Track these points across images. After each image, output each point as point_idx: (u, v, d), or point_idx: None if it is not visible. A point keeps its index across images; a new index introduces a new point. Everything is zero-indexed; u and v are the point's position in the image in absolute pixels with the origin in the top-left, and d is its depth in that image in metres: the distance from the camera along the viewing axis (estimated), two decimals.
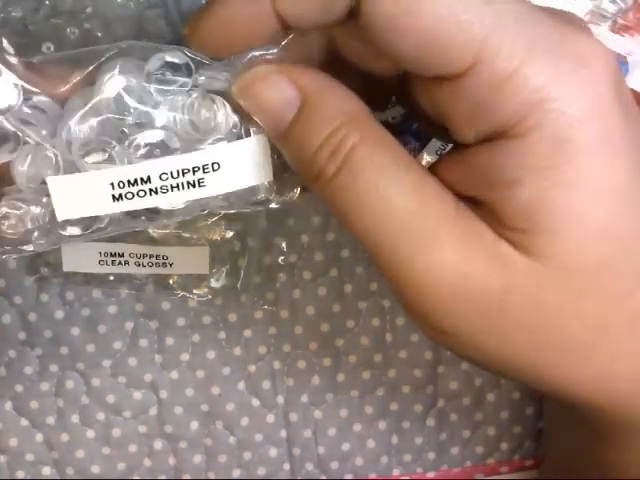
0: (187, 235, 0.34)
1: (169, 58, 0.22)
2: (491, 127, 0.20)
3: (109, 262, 0.33)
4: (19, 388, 0.36)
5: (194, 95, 0.22)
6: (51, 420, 0.37)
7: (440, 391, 0.39)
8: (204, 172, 0.22)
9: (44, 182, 0.22)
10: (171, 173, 0.22)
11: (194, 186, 0.22)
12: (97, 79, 0.22)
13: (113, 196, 0.22)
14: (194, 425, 0.38)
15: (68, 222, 0.23)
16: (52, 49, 0.31)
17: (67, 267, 0.33)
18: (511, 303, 0.20)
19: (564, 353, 0.21)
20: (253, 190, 0.23)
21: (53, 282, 0.35)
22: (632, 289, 0.20)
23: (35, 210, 0.22)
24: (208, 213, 0.24)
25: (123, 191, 0.22)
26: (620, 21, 0.34)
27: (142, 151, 0.22)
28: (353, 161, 0.20)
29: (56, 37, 0.31)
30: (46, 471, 0.37)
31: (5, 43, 0.29)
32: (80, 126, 0.21)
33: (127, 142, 0.21)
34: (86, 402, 0.37)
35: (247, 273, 0.36)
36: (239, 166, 0.22)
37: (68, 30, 0.31)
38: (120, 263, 0.34)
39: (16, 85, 0.21)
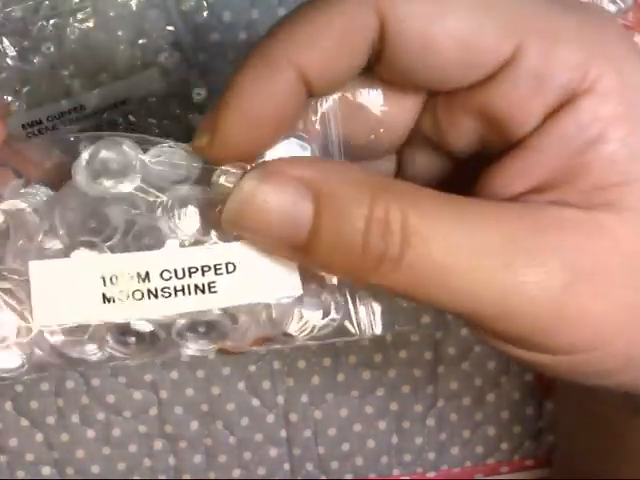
0: None
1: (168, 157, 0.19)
2: (556, 99, 0.19)
3: None
4: (19, 388, 0.36)
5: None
6: (51, 420, 0.37)
7: (440, 391, 0.39)
8: (216, 274, 0.18)
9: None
10: (175, 271, 0.18)
11: (203, 291, 0.18)
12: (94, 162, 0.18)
13: (104, 295, 0.18)
14: (194, 425, 0.38)
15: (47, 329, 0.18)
16: (52, 49, 0.31)
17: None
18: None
19: None
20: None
21: None
22: None
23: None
24: None
25: (115, 289, 0.17)
26: (620, 21, 0.34)
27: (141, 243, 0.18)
28: (414, 230, 0.18)
29: (56, 37, 0.31)
30: (46, 471, 0.37)
31: (6, 43, 0.29)
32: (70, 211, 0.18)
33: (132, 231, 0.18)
34: (86, 402, 0.37)
35: None
36: (259, 271, 0.18)
37: (68, 30, 0.31)
38: None
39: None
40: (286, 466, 0.39)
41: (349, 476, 0.39)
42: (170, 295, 0.18)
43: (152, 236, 0.18)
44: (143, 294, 0.18)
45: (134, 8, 0.31)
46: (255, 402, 0.38)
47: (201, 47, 0.34)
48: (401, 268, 0.18)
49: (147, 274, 0.18)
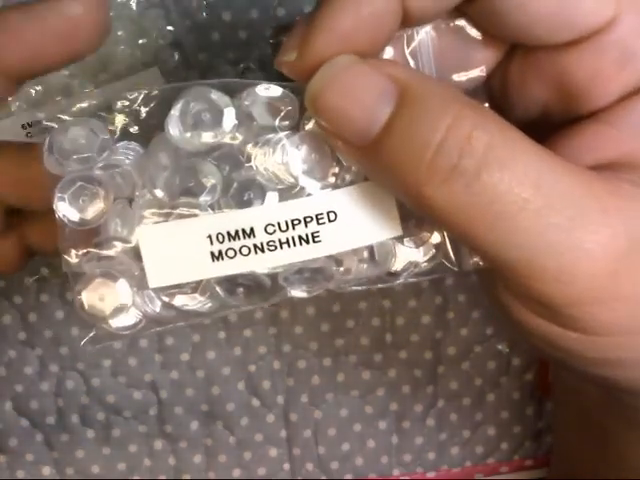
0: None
1: (270, 93, 0.18)
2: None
3: None
4: (19, 388, 0.36)
5: (299, 133, 0.18)
6: (51, 420, 0.37)
7: (440, 391, 0.39)
8: (318, 223, 0.18)
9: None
10: (279, 224, 0.18)
11: (307, 242, 0.18)
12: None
13: (212, 254, 0.18)
14: (194, 425, 0.38)
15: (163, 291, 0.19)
16: None
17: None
18: None
19: None
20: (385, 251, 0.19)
21: (53, 282, 0.35)
22: None
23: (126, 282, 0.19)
24: None
25: (223, 247, 0.18)
26: None
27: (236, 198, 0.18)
28: (496, 154, 0.17)
29: None
30: (46, 471, 0.37)
31: None
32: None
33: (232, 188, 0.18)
34: (86, 402, 0.37)
35: None
36: (360, 216, 0.18)
37: None
38: None
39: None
40: (286, 466, 0.39)
41: (349, 476, 0.39)
42: (276, 248, 0.18)
43: (252, 190, 0.18)
44: (250, 249, 0.18)
45: (134, 8, 0.31)
46: (255, 402, 0.38)
47: (201, 47, 0.34)
48: (470, 188, 0.16)
49: (252, 230, 0.18)
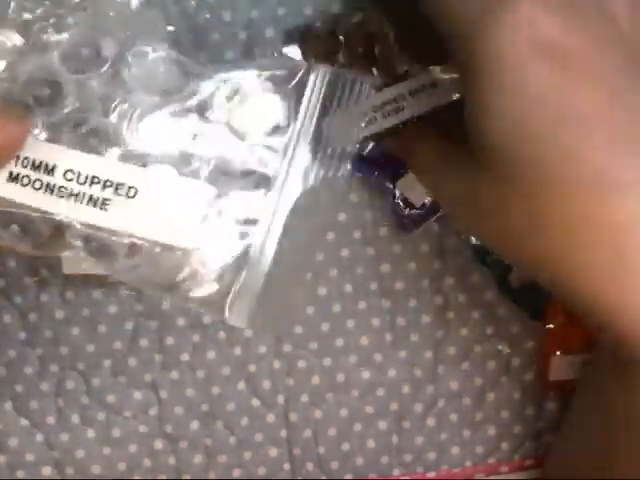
0: None
1: None
2: None
3: None
4: (19, 388, 0.36)
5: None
6: (51, 420, 0.37)
7: (440, 391, 0.39)
8: (115, 193, 0.17)
9: None
10: (79, 174, 0.17)
11: (94, 205, 0.18)
12: None
13: (10, 173, 0.18)
14: (194, 425, 0.38)
15: None
16: None
17: (67, 269, 0.30)
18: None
19: None
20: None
21: (53, 282, 0.35)
22: None
23: None
24: None
25: (23, 171, 0.17)
26: None
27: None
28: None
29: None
30: (46, 471, 0.37)
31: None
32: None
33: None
34: (86, 402, 0.37)
35: None
36: (159, 204, 0.18)
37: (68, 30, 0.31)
38: None
39: None
40: (286, 466, 0.39)
41: (349, 476, 0.39)
42: (63, 196, 0.18)
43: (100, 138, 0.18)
44: (42, 186, 0.18)
45: (134, 8, 0.31)
46: (255, 402, 0.38)
47: (201, 47, 0.34)
48: None
49: (53, 168, 0.17)
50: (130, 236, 0.18)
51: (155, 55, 0.19)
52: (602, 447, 0.30)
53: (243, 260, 0.19)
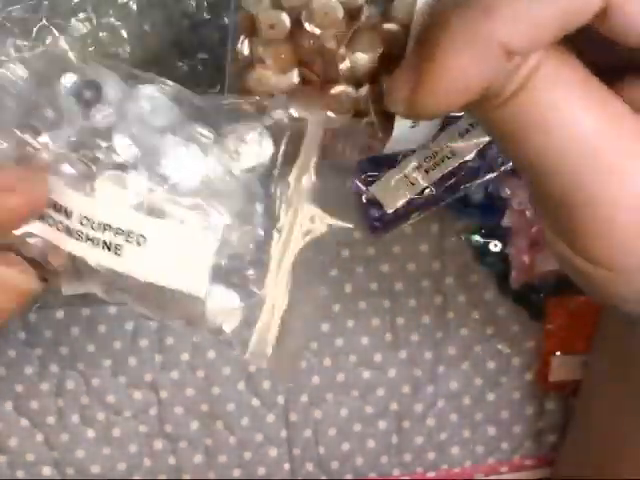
0: None
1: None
2: None
3: None
4: (19, 388, 0.36)
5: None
6: (51, 420, 0.37)
7: (440, 391, 0.39)
8: (127, 240, 0.18)
9: None
10: (93, 222, 0.18)
11: (109, 249, 0.19)
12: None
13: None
14: (194, 425, 0.38)
15: None
16: None
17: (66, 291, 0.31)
18: None
19: None
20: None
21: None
22: None
23: None
24: None
25: (47, 212, 0.19)
26: None
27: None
28: (538, 77, 0.18)
29: (56, 37, 0.31)
30: (46, 471, 0.37)
31: (6, 43, 0.29)
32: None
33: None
34: (86, 402, 0.37)
35: None
36: (168, 252, 0.19)
37: (68, 30, 0.31)
38: None
39: None
40: (286, 466, 0.39)
41: (349, 476, 0.39)
42: (81, 239, 0.19)
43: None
44: (63, 227, 0.19)
45: (134, 8, 0.31)
46: (255, 402, 0.38)
47: (201, 47, 0.34)
48: (511, 106, 0.18)
49: (71, 212, 0.18)
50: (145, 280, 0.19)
51: (160, 93, 0.19)
52: (612, 436, 0.30)
53: (258, 304, 0.20)
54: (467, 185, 0.35)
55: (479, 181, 0.34)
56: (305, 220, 0.20)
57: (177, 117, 0.19)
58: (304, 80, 0.21)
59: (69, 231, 0.19)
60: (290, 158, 0.20)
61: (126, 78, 0.19)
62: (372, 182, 0.35)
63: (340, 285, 0.37)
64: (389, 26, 0.21)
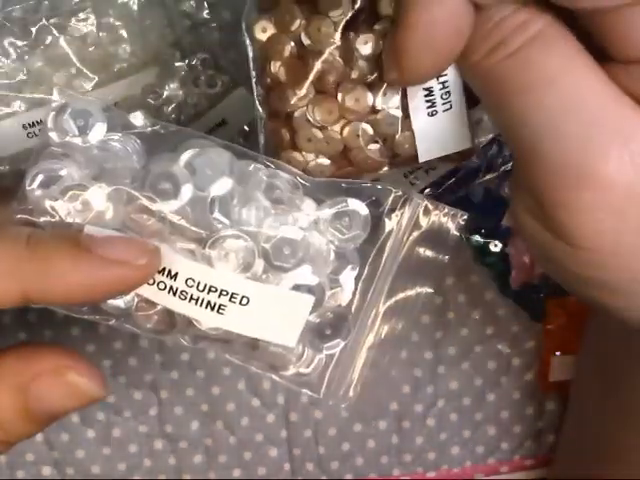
0: None
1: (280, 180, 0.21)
2: None
3: None
4: None
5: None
6: None
7: (440, 391, 0.39)
8: (230, 300, 0.20)
9: None
10: (199, 283, 0.20)
11: (212, 309, 0.20)
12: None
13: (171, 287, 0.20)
14: (194, 425, 0.38)
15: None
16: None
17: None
18: None
19: None
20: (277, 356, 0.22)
21: None
22: None
23: None
24: None
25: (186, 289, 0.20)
26: None
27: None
28: (545, 37, 0.19)
29: (56, 37, 0.31)
30: (46, 471, 0.37)
31: (6, 43, 0.29)
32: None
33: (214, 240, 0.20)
34: None
35: None
36: (269, 315, 0.20)
37: (68, 30, 0.31)
38: None
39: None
40: (286, 466, 0.39)
41: (349, 476, 0.39)
42: (185, 299, 0.20)
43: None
44: (166, 287, 0.20)
45: (135, 8, 0.31)
46: (255, 402, 0.38)
47: (201, 47, 0.34)
48: (513, 61, 0.19)
49: (176, 275, 0.20)
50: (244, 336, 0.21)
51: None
52: (607, 433, 0.30)
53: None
54: (467, 185, 0.35)
55: (479, 181, 0.34)
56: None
57: (285, 191, 0.21)
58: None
59: (172, 290, 0.20)
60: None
61: (239, 157, 0.21)
62: None
63: None
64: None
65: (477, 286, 0.38)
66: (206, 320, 0.20)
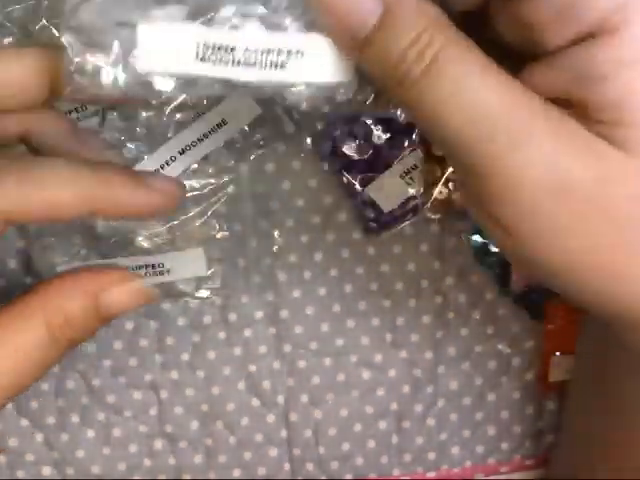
0: (180, 240, 0.34)
1: None
2: (581, 28, 0.20)
3: None
4: None
5: None
6: (51, 420, 0.37)
7: (440, 391, 0.39)
8: (287, 57, 0.22)
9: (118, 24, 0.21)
10: (255, 50, 0.22)
11: (276, 67, 0.22)
12: None
13: (197, 54, 0.22)
14: (194, 425, 0.38)
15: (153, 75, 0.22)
16: None
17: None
18: (604, 197, 0.20)
19: None
20: (333, 88, 0.23)
21: None
22: None
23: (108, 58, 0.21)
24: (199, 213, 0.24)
25: (208, 54, 0.22)
26: None
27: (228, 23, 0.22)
28: (441, 60, 0.20)
29: (56, 37, 0.31)
30: (46, 471, 0.37)
31: (6, 43, 0.29)
32: None
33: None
34: (86, 402, 0.37)
35: (246, 273, 0.36)
36: (322, 59, 0.22)
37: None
38: None
39: None
40: (286, 466, 0.39)
41: (349, 476, 0.39)
42: (249, 66, 0.22)
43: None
44: (229, 62, 0.22)
45: None
46: (255, 402, 0.38)
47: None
48: (418, 88, 0.20)
49: (233, 48, 0.22)
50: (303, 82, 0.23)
51: None
52: (605, 435, 0.31)
53: None
54: None
55: None
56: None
57: None
58: None
59: (237, 63, 0.22)
60: None
61: None
62: (368, 183, 0.35)
63: (340, 285, 0.37)
64: None
65: (477, 286, 0.38)
66: (275, 78, 0.22)
